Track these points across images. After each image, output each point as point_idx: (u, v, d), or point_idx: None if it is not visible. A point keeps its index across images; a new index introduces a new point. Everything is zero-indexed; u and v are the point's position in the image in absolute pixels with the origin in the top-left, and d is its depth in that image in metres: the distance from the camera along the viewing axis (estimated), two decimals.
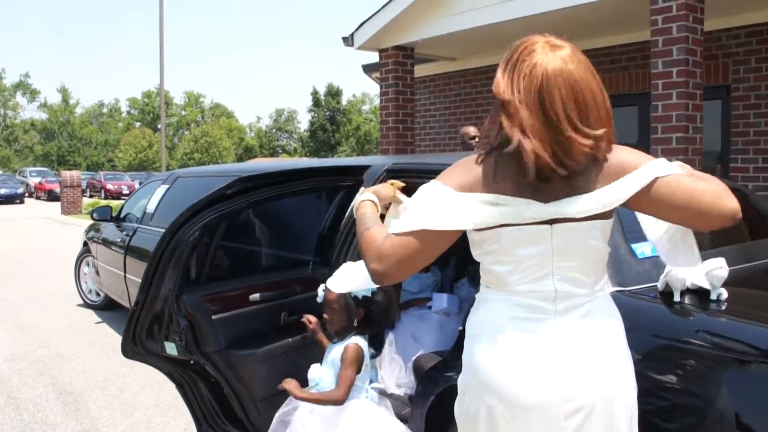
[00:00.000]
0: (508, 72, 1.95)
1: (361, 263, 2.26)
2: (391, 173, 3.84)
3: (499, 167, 1.92)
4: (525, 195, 1.89)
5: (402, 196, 2.27)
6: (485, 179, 1.93)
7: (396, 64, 9.39)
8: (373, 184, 3.70)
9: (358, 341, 3.17)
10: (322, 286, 3.23)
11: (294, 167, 3.88)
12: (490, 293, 2.05)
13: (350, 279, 3.12)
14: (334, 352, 3.18)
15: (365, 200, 2.21)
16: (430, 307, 4.14)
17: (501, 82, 1.95)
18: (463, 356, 2.11)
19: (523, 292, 1.97)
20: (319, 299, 3.22)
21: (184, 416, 4.97)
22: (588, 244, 1.93)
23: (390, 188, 2.30)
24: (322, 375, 3.20)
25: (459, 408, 2.15)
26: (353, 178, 3.88)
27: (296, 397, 3.11)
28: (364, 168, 3.93)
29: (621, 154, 1.93)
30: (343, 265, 3.26)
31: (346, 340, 3.18)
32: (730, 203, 1.86)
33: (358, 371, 3.14)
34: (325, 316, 3.21)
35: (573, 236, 1.92)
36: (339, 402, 3.06)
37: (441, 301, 4.12)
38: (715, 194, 1.86)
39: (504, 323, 1.98)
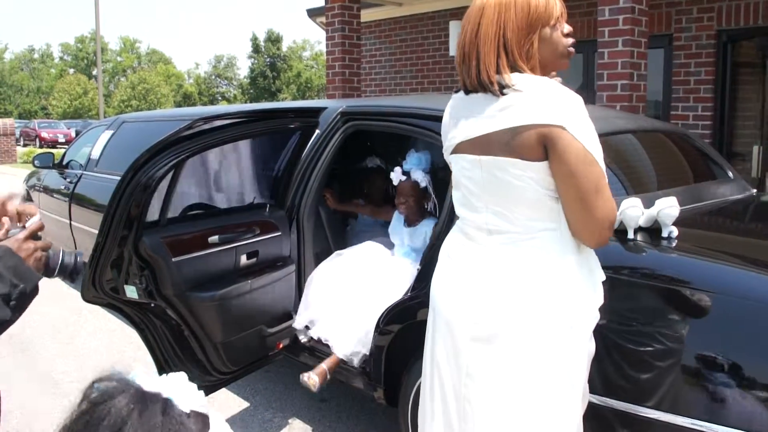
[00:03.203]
0: None
1: None
2: (345, 116, 3.86)
3: None
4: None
5: None
6: None
7: (342, 8, 9.27)
8: (328, 127, 3.74)
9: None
10: (398, 173, 3.92)
11: (251, 108, 3.85)
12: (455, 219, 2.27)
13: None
14: (413, 237, 3.93)
15: None
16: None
17: None
18: None
19: (466, 220, 2.15)
20: (395, 182, 3.96)
21: (138, 362, 4.98)
22: (509, 182, 1.96)
23: None
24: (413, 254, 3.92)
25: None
26: (308, 120, 3.88)
27: None
28: (320, 110, 3.94)
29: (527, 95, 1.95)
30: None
31: (422, 223, 3.92)
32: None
33: None
34: (400, 200, 3.93)
35: (496, 171, 1.98)
36: None
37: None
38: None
39: (450, 247, 2.22)
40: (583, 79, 9.01)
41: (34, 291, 1.69)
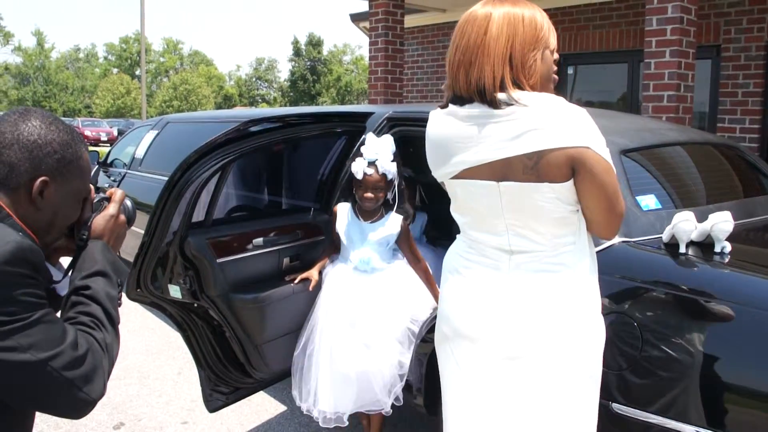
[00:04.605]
0: None
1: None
2: (392, 121, 3.84)
3: None
4: None
5: None
6: None
7: (386, 13, 9.27)
8: (374, 131, 3.70)
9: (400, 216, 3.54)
10: (363, 164, 3.41)
11: (300, 112, 3.85)
12: (459, 236, 2.24)
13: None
14: (375, 233, 3.47)
15: None
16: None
17: None
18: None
19: (480, 242, 2.11)
20: (359, 175, 3.41)
21: (176, 361, 5.02)
22: (536, 205, 1.97)
23: None
24: (369, 256, 3.43)
25: (435, 336, 2.35)
26: (356, 125, 3.87)
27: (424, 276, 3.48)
28: (367, 115, 3.92)
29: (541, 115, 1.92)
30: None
31: (386, 217, 3.52)
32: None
33: None
34: (369, 195, 3.42)
35: (519, 194, 1.97)
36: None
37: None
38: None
39: (466, 262, 2.16)
40: (627, 89, 8.93)
41: None
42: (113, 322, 1.59)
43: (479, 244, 2.11)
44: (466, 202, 2.09)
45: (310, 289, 3.50)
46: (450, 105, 2.06)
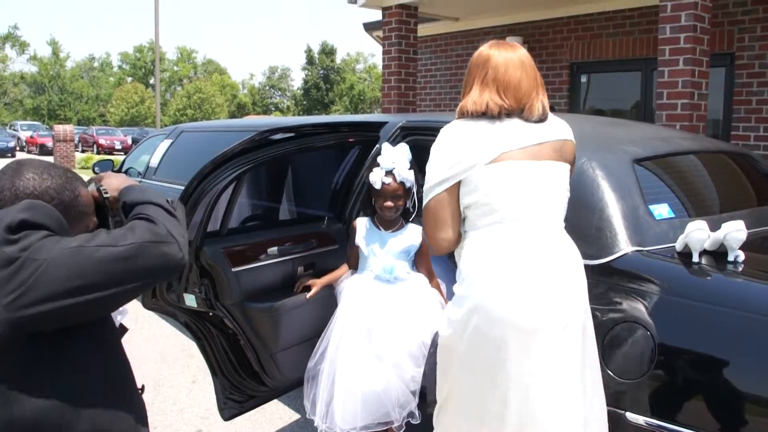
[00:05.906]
0: None
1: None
2: (405, 130, 3.85)
3: None
4: None
5: None
6: None
7: (399, 22, 9.31)
8: (388, 140, 3.71)
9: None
10: (381, 173, 3.38)
11: (315, 122, 3.88)
12: (479, 232, 2.40)
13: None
14: (396, 242, 3.46)
15: None
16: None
17: None
18: (461, 294, 2.40)
19: (516, 223, 2.35)
20: (377, 185, 3.38)
21: (190, 369, 5.04)
22: (561, 182, 2.44)
23: None
24: (392, 264, 3.40)
25: (459, 343, 2.41)
26: (369, 135, 3.89)
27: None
28: (381, 124, 3.94)
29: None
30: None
31: (406, 227, 3.53)
32: None
33: None
34: (389, 203, 3.39)
35: (551, 173, 2.40)
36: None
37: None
38: None
39: (498, 258, 2.33)
40: (640, 97, 8.91)
41: None
42: (173, 215, 1.74)
43: (510, 229, 2.35)
44: (504, 183, 2.34)
45: (307, 297, 3.51)
46: (486, 117, 2.42)
